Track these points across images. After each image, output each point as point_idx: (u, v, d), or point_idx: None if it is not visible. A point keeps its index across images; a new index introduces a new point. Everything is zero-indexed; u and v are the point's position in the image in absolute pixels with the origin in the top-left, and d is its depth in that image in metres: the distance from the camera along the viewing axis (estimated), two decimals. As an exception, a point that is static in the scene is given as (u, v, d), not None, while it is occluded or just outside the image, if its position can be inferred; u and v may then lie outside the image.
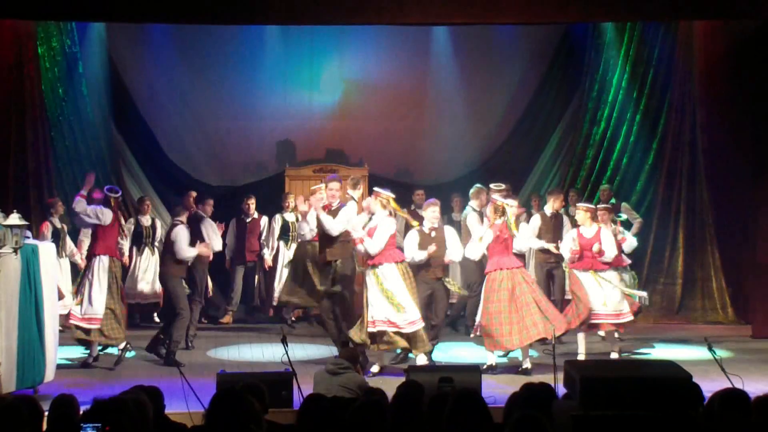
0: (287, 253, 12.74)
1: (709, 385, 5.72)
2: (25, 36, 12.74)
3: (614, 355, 10.54)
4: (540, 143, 14.58)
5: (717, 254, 13.23)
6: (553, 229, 11.83)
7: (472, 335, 10.75)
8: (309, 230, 10.50)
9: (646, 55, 13.78)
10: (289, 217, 12.95)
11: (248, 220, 13.08)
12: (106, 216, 10.37)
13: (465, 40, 13.96)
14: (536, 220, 11.88)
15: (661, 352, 11.16)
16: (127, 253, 12.38)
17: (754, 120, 12.55)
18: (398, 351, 10.23)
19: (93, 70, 13.55)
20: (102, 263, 10.29)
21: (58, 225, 12.05)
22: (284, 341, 8.25)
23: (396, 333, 9.64)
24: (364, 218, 10.22)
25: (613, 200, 12.75)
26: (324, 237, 10.08)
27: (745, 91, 12.68)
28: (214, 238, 11.38)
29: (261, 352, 11.04)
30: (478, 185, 11.64)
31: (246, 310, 13.40)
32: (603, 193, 12.78)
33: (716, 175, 13.27)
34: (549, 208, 11.89)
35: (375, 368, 9.89)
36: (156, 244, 12.61)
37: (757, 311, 12.16)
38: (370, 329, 9.65)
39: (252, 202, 13.07)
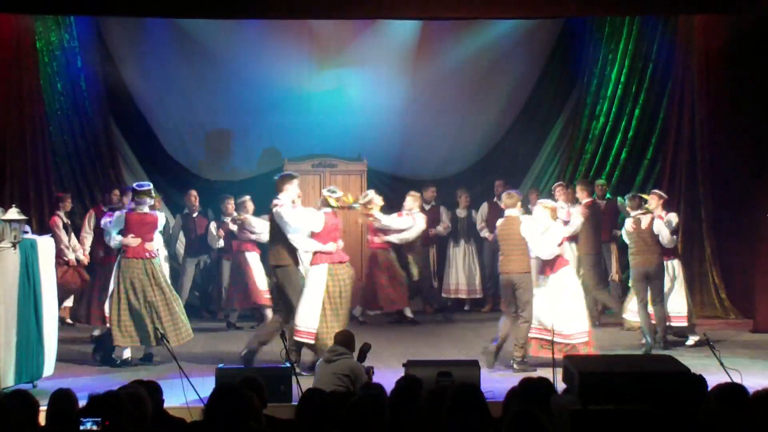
0: None
1: (708, 379, 5.71)
2: (23, 31, 12.71)
3: None
4: (539, 138, 14.58)
5: (708, 250, 13.20)
6: None
7: None
8: None
9: (645, 50, 13.77)
10: None
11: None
12: None
13: (464, 34, 13.93)
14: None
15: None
16: None
17: (753, 114, 12.53)
18: None
19: (91, 65, 13.54)
20: None
21: (65, 220, 12.03)
22: (283, 336, 8.27)
23: None
24: None
25: (608, 195, 12.76)
26: None
27: (744, 85, 12.66)
28: None
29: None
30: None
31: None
32: (599, 188, 12.78)
33: (715, 170, 13.26)
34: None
35: None
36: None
37: (759, 306, 12.14)
38: None
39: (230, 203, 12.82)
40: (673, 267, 11.02)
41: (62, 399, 5.31)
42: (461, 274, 13.73)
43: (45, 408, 5.33)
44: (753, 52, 12.37)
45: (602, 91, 14.02)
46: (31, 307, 8.72)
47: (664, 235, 10.68)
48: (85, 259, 11.82)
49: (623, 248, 12.93)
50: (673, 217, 11.12)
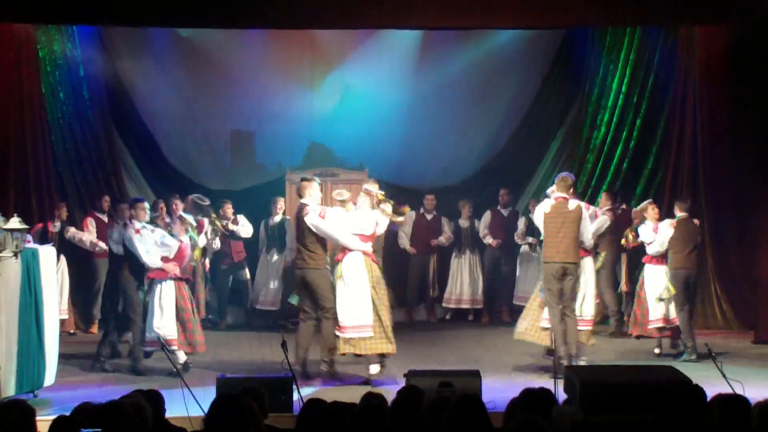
0: (270, 258, 13.01)
1: (710, 390, 5.69)
2: (25, 39, 12.73)
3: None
4: (541, 148, 14.58)
5: (710, 260, 13.16)
6: None
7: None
8: None
9: (646, 60, 13.77)
10: (275, 220, 13.04)
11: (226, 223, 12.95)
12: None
13: (465, 44, 13.94)
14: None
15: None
16: None
17: (755, 124, 12.52)
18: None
19: (94, 74, 13.55)
20: None
21: (56, 230, 12.05)
22: (284, 346, 8.26)
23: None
24: None
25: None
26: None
27: (745, 95, 12.65)
28: None
29: (261, 356, 11.03)
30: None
31: (247, 314, 13.38)
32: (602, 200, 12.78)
33: (717, 180, 13.23)
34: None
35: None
36: None
37: (761, 317, 12.12)
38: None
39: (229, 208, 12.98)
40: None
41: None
42: (466, 284, 13.76)
43: (46, 417, 5.32)
44: (754, 62, 12.37)
45: (603, 100, 14.02)
46: (33, 317, 8.73)
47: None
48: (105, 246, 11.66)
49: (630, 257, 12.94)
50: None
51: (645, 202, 11.49)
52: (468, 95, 14.28)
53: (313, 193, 9.84)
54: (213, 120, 14.08)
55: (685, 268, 10.91)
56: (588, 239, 10.21)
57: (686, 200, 11.38)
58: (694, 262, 11.03)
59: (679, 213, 11.05)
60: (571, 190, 10.12)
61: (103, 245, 11.82)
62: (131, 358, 10.25)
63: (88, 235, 12.20)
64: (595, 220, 11.07)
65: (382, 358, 9.70)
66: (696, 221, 11.26)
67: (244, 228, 12.97)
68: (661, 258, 11.00)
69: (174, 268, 10.05)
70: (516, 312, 13.37)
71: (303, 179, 10.08)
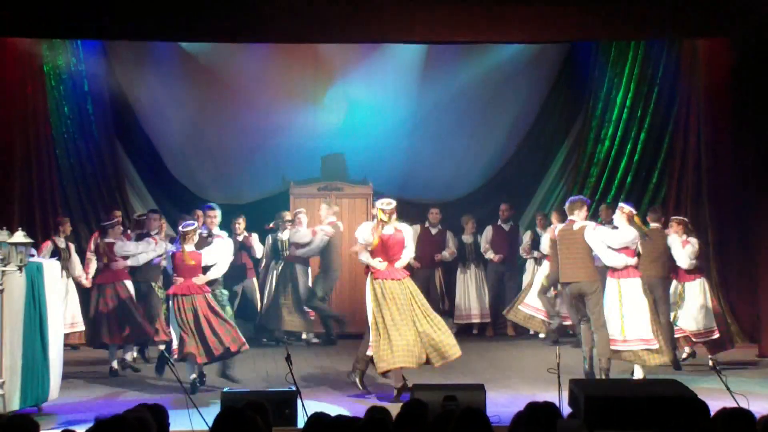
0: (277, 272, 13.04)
1: (714, 404, 5.70)
2: (30, 54, 12.80)
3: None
4: (545, 162, 14.59)
5: (715, 274, 13.12)
6: None
7: None
8: None
9: (651, 74, 13.80)
10: (283, 235, 13.04)
11: (240, 239, 12.94)
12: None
13: (469, 58, 13.97)
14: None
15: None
16: None
17: (759, 138, 12.51)
18: None
19: (98, 88, 13.60)
20: None
21: (62, 245, 12.03)
22: (288, 360, 8.24)
23: None
24: None
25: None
26: None
27: (749, 108, 12.64)
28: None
29: (265, 370, 11.02)
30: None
31: (255, 328, 13.36)
32: (602, 213, 12.75)
33: (721, 193, 13.22)
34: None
35: None
36: None
37: (766, 331, 12.08)
38: None
39: (241, 222, 12.97)
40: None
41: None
42: (474, 299, 13.75)
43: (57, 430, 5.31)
44: (757, 75, 12.36)
45: (607, 114, 14.03)
46: (37, 331, 8.73)
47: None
48: (88, 284, 11.73)
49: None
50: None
51: (671, 219, 11.44)
52: (472, 109, 14.28)
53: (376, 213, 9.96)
54: (216, 133, 14.08)
55: (646, 278, 10.78)
56: (605, 258, 10.08)
57: (657, 211, 11.37)
58: (656, 272, 10.82)
59: (651, 223, 11.10)
60: (577, 212, 10.13)
61: (85, 282, 11.83)
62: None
63: (79, 268, 12.03)
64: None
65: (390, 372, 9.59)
66: (667, 231, 11.14)
67: (256, 249, 12.89)
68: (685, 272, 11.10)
69: (175, 280, 10.01)
70: (521, 326, 13.42)
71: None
